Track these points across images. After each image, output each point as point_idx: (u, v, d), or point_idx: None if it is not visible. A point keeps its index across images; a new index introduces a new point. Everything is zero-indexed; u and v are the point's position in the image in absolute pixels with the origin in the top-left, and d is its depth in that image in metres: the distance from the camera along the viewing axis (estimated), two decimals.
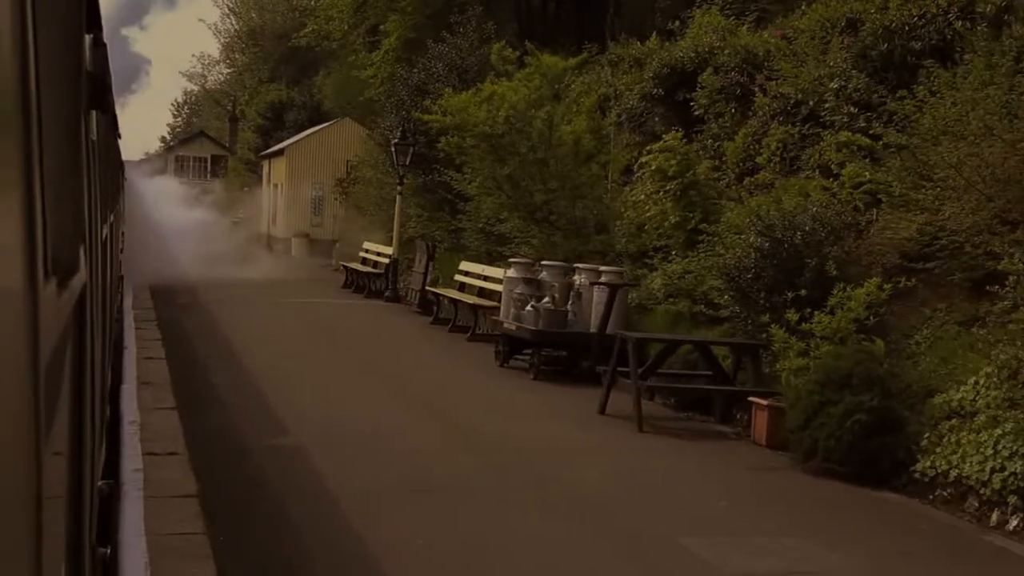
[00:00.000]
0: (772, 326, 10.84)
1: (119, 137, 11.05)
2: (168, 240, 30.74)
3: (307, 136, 40.35)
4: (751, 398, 10.80)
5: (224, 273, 28.06)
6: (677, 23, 26.26)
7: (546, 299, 14.37)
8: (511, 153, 17.29)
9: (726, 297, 12.35)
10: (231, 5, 66.93)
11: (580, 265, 15.08)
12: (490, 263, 20.56)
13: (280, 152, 40.49)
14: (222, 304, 22.01)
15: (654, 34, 27.16)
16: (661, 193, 15.99)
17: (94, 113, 3.44)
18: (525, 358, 14.86)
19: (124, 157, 19.41)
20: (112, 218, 8.22)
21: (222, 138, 64.80)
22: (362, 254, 27.07)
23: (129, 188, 24.98)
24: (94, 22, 2.99)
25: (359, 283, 25.73)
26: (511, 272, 15.32)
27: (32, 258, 1.10)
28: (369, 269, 25.40)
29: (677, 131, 17.00)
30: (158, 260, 25.80)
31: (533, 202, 17.40)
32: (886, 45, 16.30)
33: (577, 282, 14.68)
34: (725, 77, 20.43)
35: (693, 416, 12.11)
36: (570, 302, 14.29)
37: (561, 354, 14.65)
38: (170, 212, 36.23)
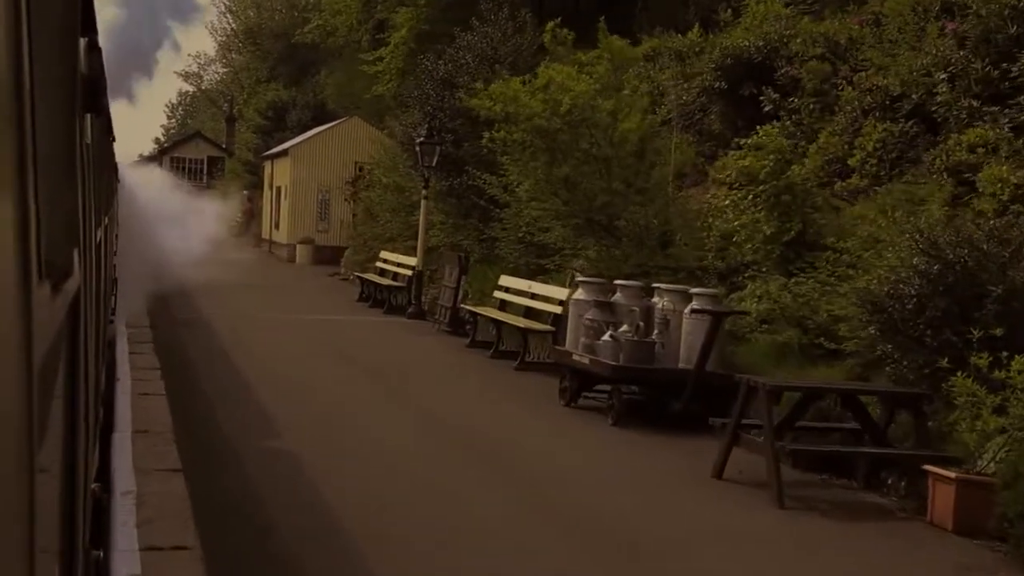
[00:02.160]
0: (958, 374, 8.38)
1: (113, 140, 10.65)
2: (162, 246, 28.37)
3: (313, 136, 37.82)
4: (927, 466, 8.36)
5: (224, 281, 25.59)
6: (728, 12, 23.97)
7: (625, 327, 11.93)
8: (570, 151, 14.82)
9: (868, 331, 9.91)
10: (228, 3, 64.86)
11: (662, 285, 12.62)
12: (529, 277, 18.15)
13: (284, 153, 37.95)
14: (226, 320, 19.55)
15: (696, 26, 24.83)
16: (751, 198, 13.57)
17: (88, 116, 3.20)
18: (596, 396, 12.44)
19: (118, 159, 17.19)
20: (106, 221, 7.71)
21: (218, 139, 62.57)
22: (379, 264, 24.57)
23: (123, 191, 22.49)
24: (89, 25, 2.86)
25: (377, 297, 23.23)
26: (580, 293, 12.86)
27: (26, 261, 1.09)
28: (388, 282, 22.89)
29: (773, 125, 14.57)
30: (153, 268, 23.30)
31: (592, 207, 14.94)
32: (1015, 27, 13.92)
33: (659, 306, 12.23)
34: (802, 68, 18.05)
35: (827, 479, 9.67)
36: (656, 331, 11.84)
37: (635, 391, 12.20)
38: (164, 216, 33.87)
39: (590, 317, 12.27)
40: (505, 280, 17.57)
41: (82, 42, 2.51)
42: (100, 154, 5.64)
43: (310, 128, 40.87)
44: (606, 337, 11.85)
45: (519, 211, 19.36)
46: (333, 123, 38.49)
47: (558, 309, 15.07)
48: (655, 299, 12.64)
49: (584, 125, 14.76)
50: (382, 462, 9.46)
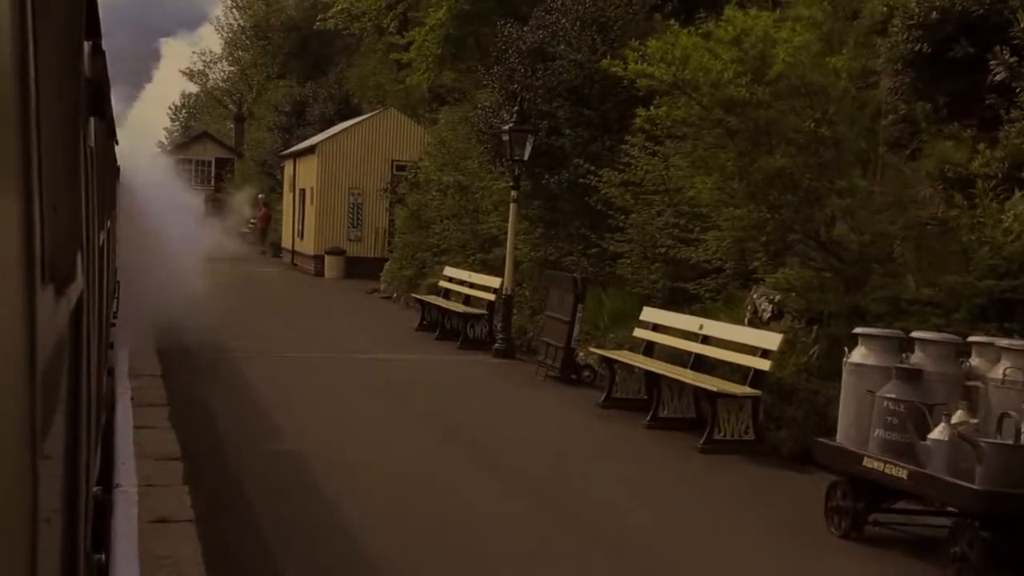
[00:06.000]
0: None
1: (116, 143, 9.57)
2: (171, 260, 23.69)
3: (343, 131, 32.93)
4: None
5: (248, 303, 20.84)
6: None
7: (960, 413, 7.12)
8: (782, 132, 10.00)
9: None
10: None
11: (998, 341, 7.78)
12: (663, 306, 13.41)
13: (310, 150, 33.06)
14: (260, 362, 14.84)
15: None
16: None
17: (92, 120, 3.31)
18: (892, 516, 7.67)
19: (120, 162, 12.76)
20: (109, 224, 6.99)
21: (226, 140, 58.29)
22: (443, 284, 19.71)
23: (125, 195, 17.81)
24: (94, 29, 2.89)
25: (445, 325, 18.38)
26: (861, 355, 7.96)
27: (30, 265, 1.09)
28: (463, 308, 18.02)
29: None
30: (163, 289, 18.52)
31: (819, 217, 10.13)
32: None
33: (1000, 375, 7.41)
34: None
35: None
36: (1022, 423, 7.00)
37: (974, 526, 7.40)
38: (170, 223, 29.19)
39: (894, 396, 7.43)
40: (651, 314, 12.72)
41: (86, 46, 2.49)
42: (103, 157, 5.48)
43: (334, 123, 36.10)
44: (937, 434, 7.03)
45: (648, 219, 14.64)
46: (366, 116, 33.65)
47: (763, 364, 10.25)
48: (973, 360, 7.85)
49: (804, 94, 9.92)
50: None
